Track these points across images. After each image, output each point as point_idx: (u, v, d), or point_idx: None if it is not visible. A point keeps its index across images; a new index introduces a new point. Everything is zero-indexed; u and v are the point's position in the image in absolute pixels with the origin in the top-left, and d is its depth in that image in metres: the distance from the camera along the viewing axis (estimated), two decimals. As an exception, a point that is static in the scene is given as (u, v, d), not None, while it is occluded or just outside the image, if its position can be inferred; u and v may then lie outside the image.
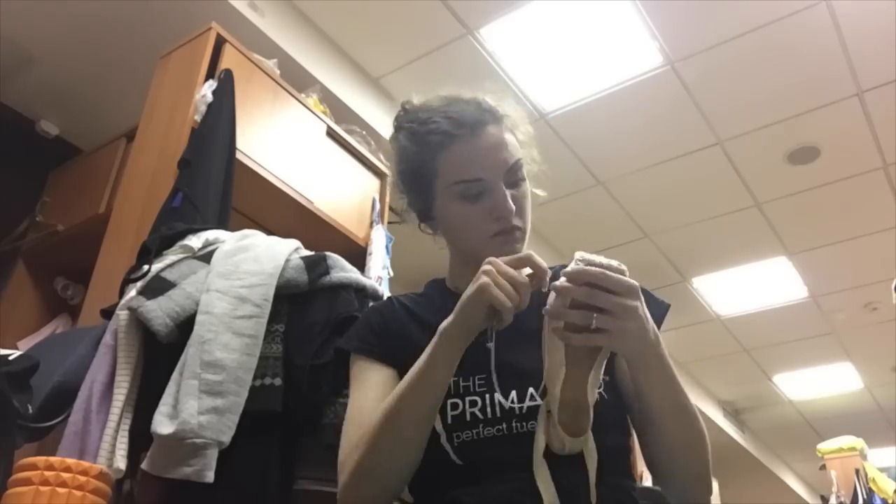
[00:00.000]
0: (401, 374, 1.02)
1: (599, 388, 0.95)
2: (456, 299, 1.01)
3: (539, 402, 0.97)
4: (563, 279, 0.86)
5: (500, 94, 1.14)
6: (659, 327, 1.06)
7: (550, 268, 1.16)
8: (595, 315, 0.85)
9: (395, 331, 1.10)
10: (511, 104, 1.14)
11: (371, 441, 0.95)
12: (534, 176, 1.14)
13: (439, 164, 1.07)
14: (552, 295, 0.87)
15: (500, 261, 0.91)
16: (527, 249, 1.12)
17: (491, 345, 1.02)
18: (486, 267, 0.90)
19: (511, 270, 0.90)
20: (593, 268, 0.85)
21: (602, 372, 0.93)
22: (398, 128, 1.14)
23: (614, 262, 0.87)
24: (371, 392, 1.04)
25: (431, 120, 1.07)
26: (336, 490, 1.01)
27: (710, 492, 1.01)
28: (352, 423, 1.02)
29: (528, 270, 0.92)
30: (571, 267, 0.87)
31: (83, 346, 1.48)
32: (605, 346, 0.91)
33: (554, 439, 0.93)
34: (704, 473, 0.99)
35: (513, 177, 1.07)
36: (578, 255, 0.88)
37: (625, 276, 0.86)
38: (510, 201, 1.05)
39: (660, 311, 1.10)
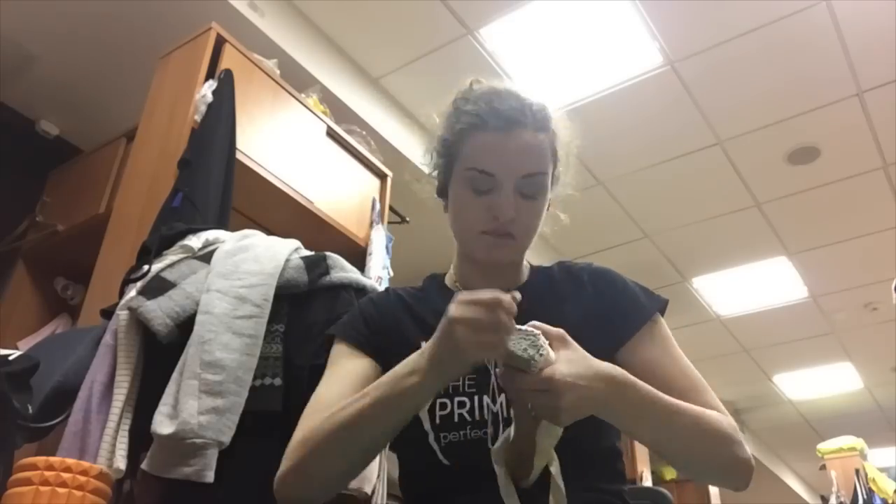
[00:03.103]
0: (384, 368, 0.99)
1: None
2: (452, 296, 1.01)
3: None
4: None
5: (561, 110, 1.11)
6: (646, 321, 1.05)
7: (536, 268, 1.15)
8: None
9: (387, 323, 1.09)
10: (568, 122, 1.11)
11: (316, 447, 0.92)
12: (562, 198, 1.11)
13: (464, 146, 1.05)
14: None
15: (471, 312, 0.79)
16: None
17: None
18: (458, 329, 0.79)
19: (485, 319, 0.79)
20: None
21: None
22: (454, 99, 1.11)
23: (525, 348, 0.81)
24: (339, 383, 1.01)
25: (477, 102, 1.05)
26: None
27: (744, 472, 0.96)
28: (309, 412, 0.99)
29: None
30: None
31: (83, 346, 1.48)
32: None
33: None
34: (729, 464, 0.95)
35: (529, 186, 1.03)
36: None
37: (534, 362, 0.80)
38: (512, 208, 1.01)
39: (656, 305, 1.08)
